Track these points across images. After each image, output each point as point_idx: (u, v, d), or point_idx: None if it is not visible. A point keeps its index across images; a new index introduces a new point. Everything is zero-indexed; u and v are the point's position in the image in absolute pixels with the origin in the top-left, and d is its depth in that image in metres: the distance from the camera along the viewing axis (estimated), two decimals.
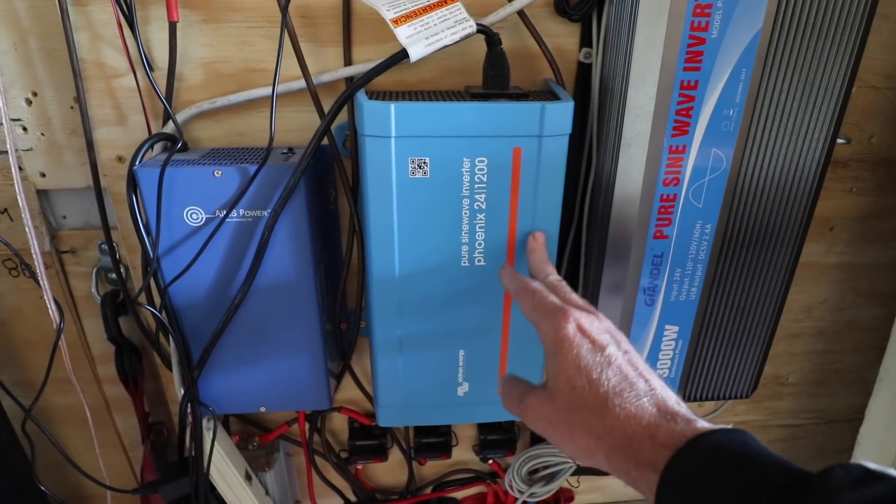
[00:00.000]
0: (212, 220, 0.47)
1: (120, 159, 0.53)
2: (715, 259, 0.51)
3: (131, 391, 0.62)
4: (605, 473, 0.71)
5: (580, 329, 0.35)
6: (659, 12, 0.42)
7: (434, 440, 0.67)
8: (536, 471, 0.69)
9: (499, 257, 0.47)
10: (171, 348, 0.53)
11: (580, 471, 0.69)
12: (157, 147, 0.50)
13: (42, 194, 0.56)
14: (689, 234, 0.50)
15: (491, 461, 0.70)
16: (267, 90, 0.50)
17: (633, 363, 0.34)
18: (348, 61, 0.50)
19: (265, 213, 0.47)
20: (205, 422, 0.55)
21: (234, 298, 0.49)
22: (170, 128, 0.50)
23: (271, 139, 0.45)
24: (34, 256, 0.51)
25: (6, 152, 0.54)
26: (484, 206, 0.45)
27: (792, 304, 0.70)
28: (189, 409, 0.54)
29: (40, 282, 0.51)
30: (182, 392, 0.54)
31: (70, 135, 0.53)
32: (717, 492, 0.28)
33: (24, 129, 0.52)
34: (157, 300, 0.50)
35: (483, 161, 0.44)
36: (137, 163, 0.46)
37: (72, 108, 0.52)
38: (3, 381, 0.57)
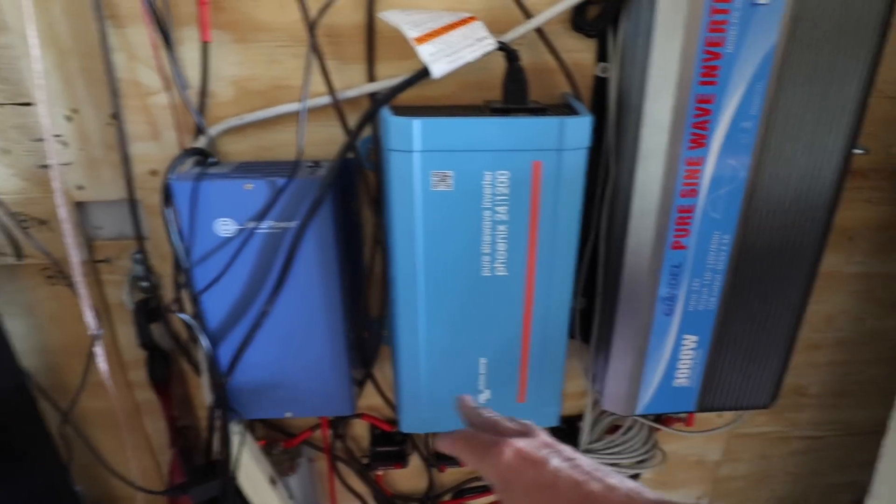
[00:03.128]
0: (242, 232, 0.49)
1: (153, 173, 0.55)
2: (733, 269, 0.52)
3: (161, 396, 0.64)
4: None
5: (518, 454, 0.33)
6: (675, 28, 0.43)
7: None
8: None
9: (520, 267, 0.48)
10: (201, 355, 0.55)
11: None
12: (189, 161, 0.52)
13: (80, 206, 0.59)
14: (706, 245, 0.50)
15: None
16: (293, 106, 0.52)
17: (581, 468, 0.32)
18: (371, 77, 0.52)
19: (293, 225, 0.49)
20: (233, 426, 0.57)
21: (262, 307, 0.51)
22: (201, 143, 0.52)
23: (300, 153, 0.46)
24: (73, 267, 0.53)
25: (47, 167, 0.57)
26: (505, 218, 0.46)
27: (812, 315, 0.70)
28: (218, 414, 0.56)
29: (79, 291, 0.53)
30: (212, 397, 0.56)
31: (107, 150, 0.56)
32: None
33: (65, 144, 0.55)
34: (187, 308, 0.52)
35: (504, 174, 0.45)
36: (172, 175, 0.48)
37: (108, 124, 0.54)
38: (40, 385, 0.60)
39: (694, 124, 0.46)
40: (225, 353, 0.54)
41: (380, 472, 0.71)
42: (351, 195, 0.56)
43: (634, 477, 0.69)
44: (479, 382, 0.53)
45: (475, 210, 0.46)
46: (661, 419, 0.70)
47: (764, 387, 0.59)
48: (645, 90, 0.46)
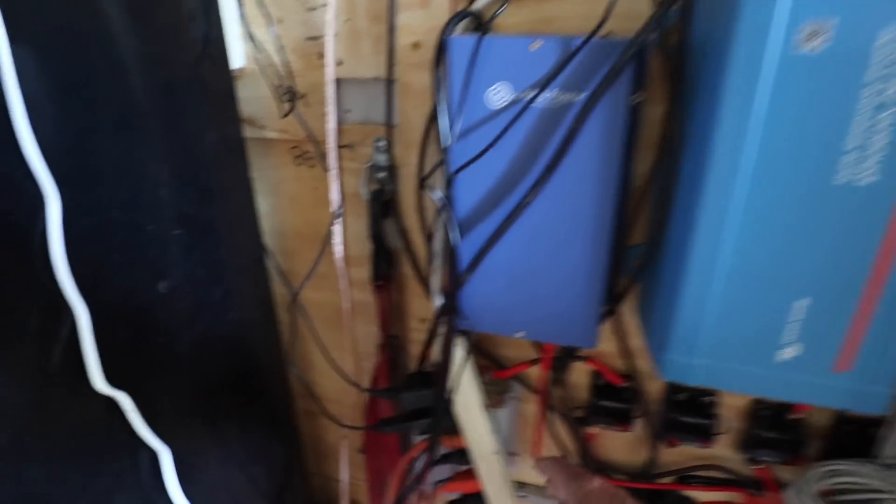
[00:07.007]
0: (516, 104, 0.42)
1: (416, 46, 0.51)
2: None
3: (381, 296, 0.61)
4: None
5: (603, 486, 0.42)
6: None
7: (695, 420, 0.56)
8: (831, 493, 0.54)
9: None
10: (438, 247, 0.50)
11: None
12: (460, 27, 0.46)
13: (336, 84, 0.57)
14: None
15: (759, 466, 0.57)
16: None
17: None
18: None
19: (579, 98, 0.40)
20: (457, 337, 0.51)
21: (521, 199, 0.44)
22: (478, 5, 0.46)
23: (608, 12, 0.37)
24: (329, 147, 0.51)
25: (313, 38, 0.55)
26: (894, 100, 0.33)
27: None
28: (444, 320, 0.51)
29: (330, 172, 0.51)
30: (441, 300, 0.51)
31: (371, 21, 0.52)
32: None
33: (333, 15, 0.53)
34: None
35: None
36: (448, 34, 0.42)
37: None
38: (273, 267, 0.60)
39: None
40: (466, 251, 0.48)
41: (594, 430, 0.61)
42: (638, 83, 0.46)
43: None
44: (785, 332, 0.40)
45: (852, 85, 0.33)
46: None
47: None
48: None
